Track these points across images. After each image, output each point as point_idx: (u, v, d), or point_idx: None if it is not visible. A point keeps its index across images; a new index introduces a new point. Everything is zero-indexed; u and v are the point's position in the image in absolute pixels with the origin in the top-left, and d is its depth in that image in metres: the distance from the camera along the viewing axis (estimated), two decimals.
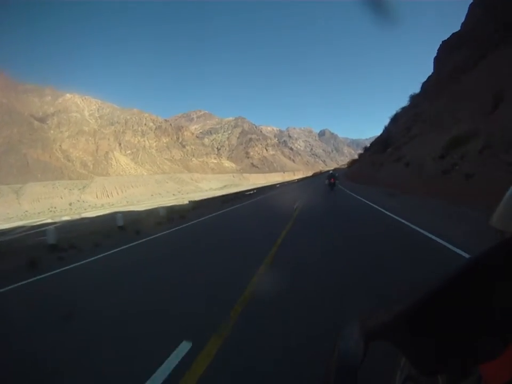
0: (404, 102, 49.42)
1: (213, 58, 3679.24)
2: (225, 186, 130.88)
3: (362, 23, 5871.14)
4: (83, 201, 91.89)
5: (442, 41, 41.06)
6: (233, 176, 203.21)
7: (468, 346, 0.43)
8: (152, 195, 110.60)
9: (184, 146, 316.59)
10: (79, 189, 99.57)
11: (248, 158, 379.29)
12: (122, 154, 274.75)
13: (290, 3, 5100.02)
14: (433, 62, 43.93)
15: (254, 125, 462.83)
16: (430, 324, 0.45)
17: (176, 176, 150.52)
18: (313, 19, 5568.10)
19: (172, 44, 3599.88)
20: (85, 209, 78.59)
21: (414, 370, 0.65)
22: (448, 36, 39.22)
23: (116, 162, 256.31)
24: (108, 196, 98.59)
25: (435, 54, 43.45)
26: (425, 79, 45.04)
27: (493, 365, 0.44)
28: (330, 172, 29.21)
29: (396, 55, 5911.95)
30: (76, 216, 49.73)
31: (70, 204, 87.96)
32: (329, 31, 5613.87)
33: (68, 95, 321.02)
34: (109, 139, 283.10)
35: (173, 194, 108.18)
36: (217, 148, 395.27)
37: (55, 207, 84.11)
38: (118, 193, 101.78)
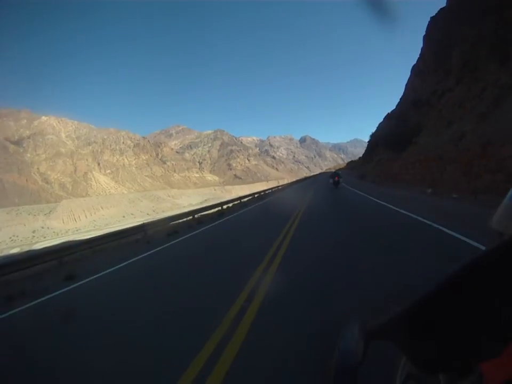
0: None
1: (188, 73, 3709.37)
2: (205, 200, 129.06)
3: (342, 27, 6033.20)
4: (48, 228, 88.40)
5: (431, 17, 41.20)
6: (215, 190, 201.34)
7: (469, 345, 0.44)
8: (124, 216, 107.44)
9: (164, 162, 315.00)
10: (45, 214, 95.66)
11: (230, 169, 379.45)
12: (102, 174, 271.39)
13: (267, 7, 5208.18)
14: (423, 40, 44.58)
15: (234, 136, 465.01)
16: (431, 324, 0.46)
17: (151, 193, 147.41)
18: (289, 23, 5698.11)
19: (146, 60, 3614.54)
20: (45, 238, 75.57)
21: (415, 370, 0.65)
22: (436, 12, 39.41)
23: (96, 183, 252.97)
24: (75, 220, 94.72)
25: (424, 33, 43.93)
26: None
27: (493, 364, 0.44)
28: (333, 171, 31.05)
29: (373, 56, 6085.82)
30: (26, 248, 47.86)
31: (34, 232, 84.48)
32: (307, 35, 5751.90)
33: (44, 118, 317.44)
34: (87, 159, 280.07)
35: (147, 214, 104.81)
36: (198, 162, 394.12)
37: (17, 236, 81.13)
38: (86, 217, 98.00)
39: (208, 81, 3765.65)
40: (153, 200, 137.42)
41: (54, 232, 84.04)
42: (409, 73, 53.40)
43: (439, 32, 36.41)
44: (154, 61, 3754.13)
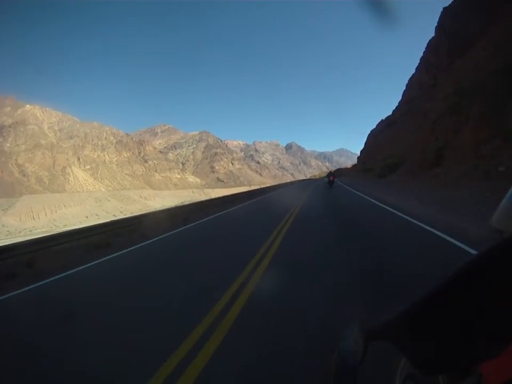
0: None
1: (178, 72, 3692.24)
2: (182, 203, 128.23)
3: (335, 32, 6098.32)
4: (3, 225, 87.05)
5: (444, 8, 42.52)
6: (193, 192, 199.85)
7: (468, 345, 0.44)
8: (87, 216, 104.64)
9: (146, 161, 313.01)
10: (3, 210, 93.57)
11: (213, 172, 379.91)
12: (81, 170, 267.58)
13: (260, 9, 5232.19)
14: (435, 31, 46.42)
15: (219, 139, 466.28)
16: (430, 324, 0.46)
17: (121, 193, 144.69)
18: (280, 27, 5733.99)
19: (137, 57, 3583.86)
20: None
21: (414, 370, 0.66)
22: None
23: (74, 178, 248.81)
24: (34, 218, 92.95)
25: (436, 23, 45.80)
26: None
27: (493, 364, 0.44)
28: (330, 171, 33.20)
29: (364, 64, 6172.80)
30: None
31: None
32: (294, 40, 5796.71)
33: (28, 106, 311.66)
34: (67, 153, 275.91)
35: (114, 215, 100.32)
36: (181, 163, 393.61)
37: None
38: (46, 215, 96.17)
39: (197, 82, 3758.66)
40: (122, 201, 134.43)
41: (8, 231, 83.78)
42: (407, 76, 58.99)
43: (454, 24, 36.73)
44: (144, 59, 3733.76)
